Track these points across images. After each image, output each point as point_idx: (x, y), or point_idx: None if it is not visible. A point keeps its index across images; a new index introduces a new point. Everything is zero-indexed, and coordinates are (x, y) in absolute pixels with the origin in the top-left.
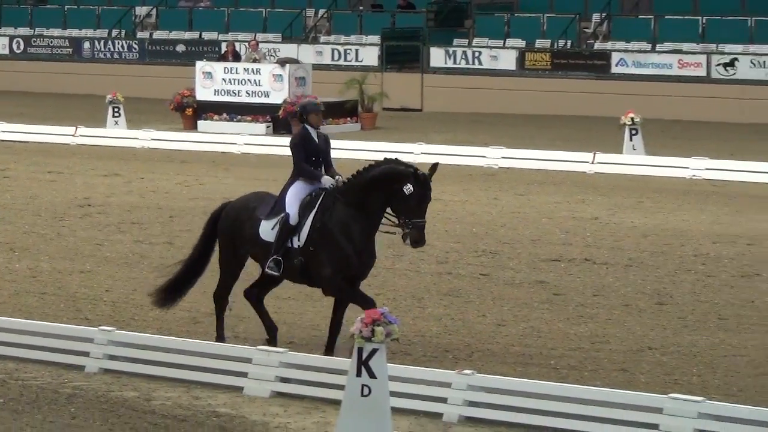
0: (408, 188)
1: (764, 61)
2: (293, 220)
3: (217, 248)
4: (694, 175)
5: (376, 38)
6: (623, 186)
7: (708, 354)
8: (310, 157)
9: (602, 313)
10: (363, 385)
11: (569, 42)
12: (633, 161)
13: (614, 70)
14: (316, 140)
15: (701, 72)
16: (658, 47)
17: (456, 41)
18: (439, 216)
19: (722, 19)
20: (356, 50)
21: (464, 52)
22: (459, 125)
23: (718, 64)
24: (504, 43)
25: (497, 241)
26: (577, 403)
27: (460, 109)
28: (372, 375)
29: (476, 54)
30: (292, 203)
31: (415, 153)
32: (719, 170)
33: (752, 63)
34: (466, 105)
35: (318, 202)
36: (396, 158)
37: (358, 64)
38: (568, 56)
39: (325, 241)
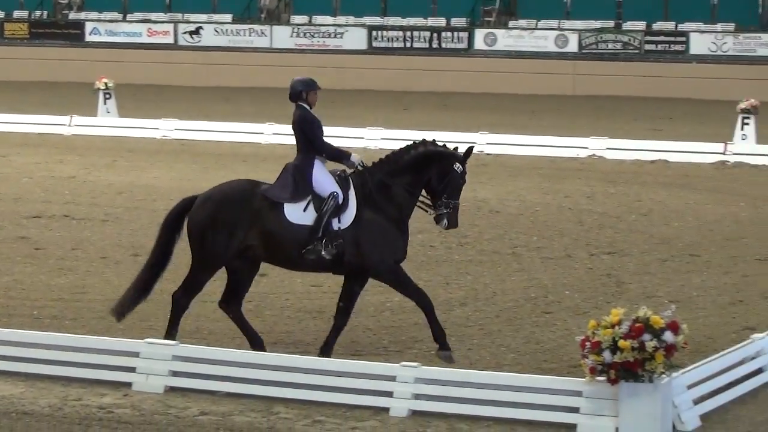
0: (458, 167)
1: (227, 29)
2: (341, 199)
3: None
4: (164, 136)
5: None
6: (99, 146)
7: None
8: None
9: (82, 266)
10: None
11: (46, 12)
12: (107, 123)
13: (88, 38)
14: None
15: (169, 39)
16: (129, 17)
17: None
18: None
19: None
20: None
21: None
22: None
23: (185, 32)
24: None
25: None
26: (54, 350)
27: None
28: None
29: None
30: (328, 183)
31: None
32: (187, 130)
33: (216, 31)
34: None
35: (351, 183)
36: (433, 140)
37: None
38: (45, 26)
39: (375, 222)
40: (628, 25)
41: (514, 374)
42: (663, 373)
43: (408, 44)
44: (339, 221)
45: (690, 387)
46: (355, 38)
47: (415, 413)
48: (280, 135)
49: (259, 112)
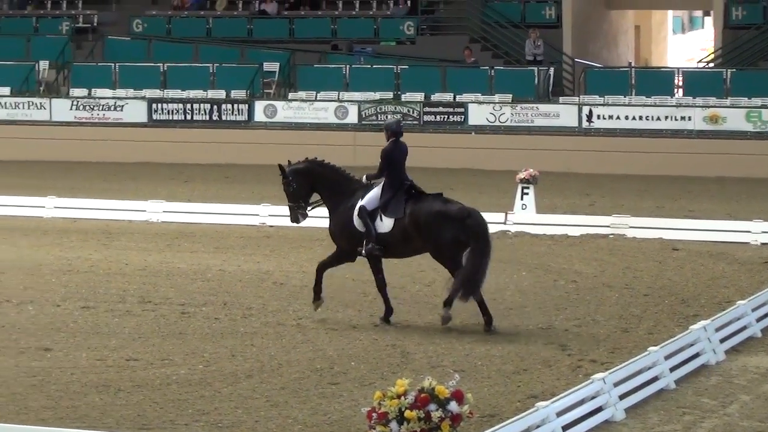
0: None
1: (5, 102)
2: None
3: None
4: None
5: None
6: None
7: None
8: None
9: None
10: None
11: None
12: None
13: None
14: None
15: None
16: None
17: None
18: None
19: None
20: None
21: None
22: None
23: None
24: None
25: None
26: None
27: None
28: None
29: None
30: None
31: None
32: None
33: None
34: None
35: None
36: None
37: None
38: None
39: None
40: (407, 96)
41: None
42: None
43: (188, 116)
44: None
45: None
46: (135, 111)
47: None
48: (61, 209)
49: (40, 185)
